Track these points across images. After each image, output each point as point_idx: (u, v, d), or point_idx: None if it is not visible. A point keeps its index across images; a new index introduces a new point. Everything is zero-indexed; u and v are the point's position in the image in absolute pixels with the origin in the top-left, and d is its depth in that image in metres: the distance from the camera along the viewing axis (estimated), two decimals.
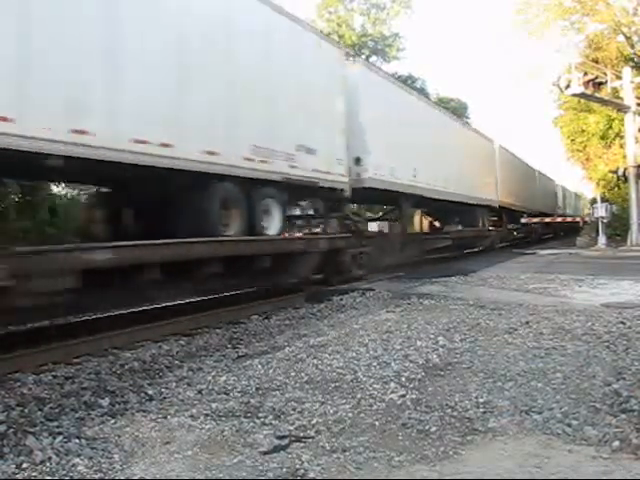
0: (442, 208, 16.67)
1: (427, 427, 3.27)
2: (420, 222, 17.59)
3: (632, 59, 25.46)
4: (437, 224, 18.39)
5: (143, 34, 6.19)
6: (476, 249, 19.17)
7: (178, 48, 6.65)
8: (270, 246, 8.13)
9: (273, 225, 8.49)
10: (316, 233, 11.67)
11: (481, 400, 3.66)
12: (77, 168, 5.76)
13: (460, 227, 18.59)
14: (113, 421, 3.56)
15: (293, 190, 8.88)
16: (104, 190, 8.17)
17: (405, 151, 12.54)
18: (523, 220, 25.34)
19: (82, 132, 5.46)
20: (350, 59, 11.30)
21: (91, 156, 5.55)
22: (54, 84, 5.25)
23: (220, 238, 7.17)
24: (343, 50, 11.30)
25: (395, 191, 12.16)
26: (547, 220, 26.95)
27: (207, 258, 6.78)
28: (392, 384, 4.05)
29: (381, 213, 17.17)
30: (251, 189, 7.87)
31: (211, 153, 7.00)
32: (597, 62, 23.76)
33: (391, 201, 13.99)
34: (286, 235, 9.76)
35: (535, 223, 25.86)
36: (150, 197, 7.24)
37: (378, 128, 11.09)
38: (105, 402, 3.93)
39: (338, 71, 10.06)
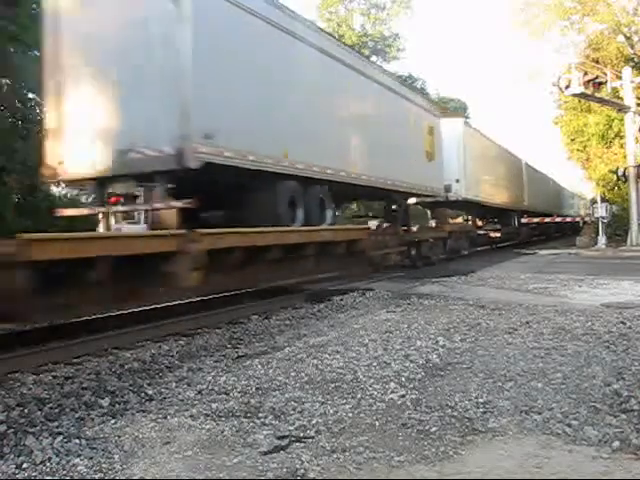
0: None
1: (427, 427, 3.27)
2: None
3: (632, 59, 25.47)
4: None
5: None
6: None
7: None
8: None
9: None
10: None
11: (481, 400, 3.66)
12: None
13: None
14: (113, 421, 3.56)
15: None
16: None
17: None
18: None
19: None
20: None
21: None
22: None
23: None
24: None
25: None
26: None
27: None
28: (392, 384, 4.05)
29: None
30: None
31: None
32: (597, 62, 23.78)
33: None
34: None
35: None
36: None
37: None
38: (105, 402, 3.93)
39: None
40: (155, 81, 6.48)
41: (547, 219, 27.51)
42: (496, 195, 21.21)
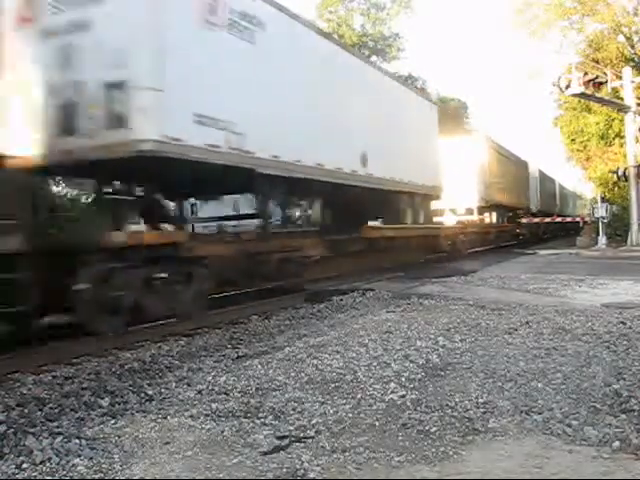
0: None
1: (427, 427, 3.26)
2: None
3: (632, 59, 25.46)
4: None
5: None
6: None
7: None
8: None
9: None
10: None
11: (481, 400, 3.65)
12: None
13: None
14: (113, 421, 3.56)
15: None
16: None
17: None
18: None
19: None
20: None
21: None
22: None
23: None
24: None
25: None
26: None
27: None
28: (392, 384, 4.05)
29: None
30: None
31: None
32: (597, 62, 23.75)
33: None
34: None
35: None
36: None
37: None
38: (105, 402, 3.93)
39: None
40: None
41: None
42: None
